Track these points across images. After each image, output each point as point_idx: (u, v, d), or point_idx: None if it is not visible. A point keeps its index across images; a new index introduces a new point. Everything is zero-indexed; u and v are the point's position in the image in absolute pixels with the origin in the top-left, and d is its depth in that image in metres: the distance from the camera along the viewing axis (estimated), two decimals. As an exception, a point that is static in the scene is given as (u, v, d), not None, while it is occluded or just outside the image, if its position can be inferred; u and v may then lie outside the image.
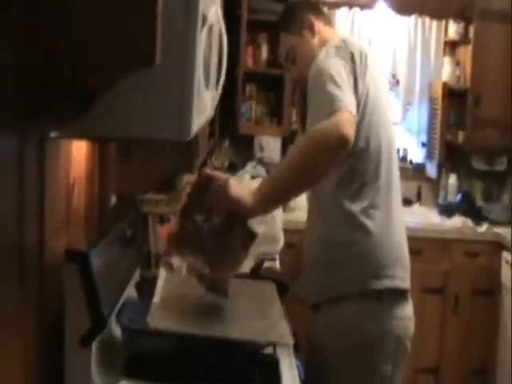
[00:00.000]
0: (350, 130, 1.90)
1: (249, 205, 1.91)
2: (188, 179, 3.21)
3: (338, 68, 2.06)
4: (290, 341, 1.83)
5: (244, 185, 2.10)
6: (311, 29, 2.36)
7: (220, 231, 1.90)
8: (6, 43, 1.19)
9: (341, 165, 2.10)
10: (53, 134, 1.45)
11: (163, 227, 2.24)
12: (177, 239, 1.93)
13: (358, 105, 2.06)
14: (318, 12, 2.45)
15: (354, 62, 2.10)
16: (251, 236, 1.95)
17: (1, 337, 1.31)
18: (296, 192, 2.04)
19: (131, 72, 1.23)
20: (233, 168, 4.29)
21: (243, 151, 4.94)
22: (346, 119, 1.92)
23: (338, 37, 2.32)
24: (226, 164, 4.24)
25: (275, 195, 1.99)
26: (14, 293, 1.41)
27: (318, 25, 2.37)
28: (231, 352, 1.86)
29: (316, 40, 2.35)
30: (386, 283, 2.13)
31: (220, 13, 1.84)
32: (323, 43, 2.28)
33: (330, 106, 1.95)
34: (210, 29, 1.56)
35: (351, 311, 2.13)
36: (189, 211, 1.95)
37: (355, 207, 2.12)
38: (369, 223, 2.12)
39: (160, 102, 1.38)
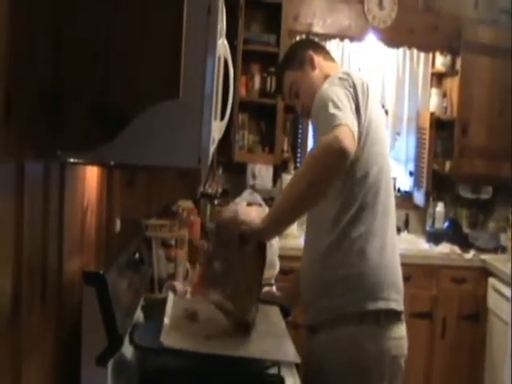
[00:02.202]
0: (349, 142, 1.98)
1: (258, 224, 2.01)
2: (183, 205, 3.29)
3: (340, 95, 2.15)
4: (297, 359, 1.89)
5: (252, 209, 2.19)
6: (311, 62, 2.46)
7: (236, 259, 1.99)
8: (38, 69, 1.27)
9: (342, 191, 2.19)
10: (76, 159, 1.52)
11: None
12: (204, 285, 2.03)
13: (361, 134, 2.16)
14: (317, 48, 2.56)
15: (357, 93, 2.19)
16: (262, 247, 2.04)
17: (25, 352, 1.37)
18: (302, 208, 2.13)
19: (157, 102, 1.31)
20: (226, 195, 4.36)
21: (236, 179, 5.02)
22: (345, 132, 2.00)
23: (340, 70, 2.43)
24: (220, 191, 4.31)
25: (284, 212, 2.08)
26: (37, 310, 1.47)
27: (318, 59, 2.47)
28: (238, 371, 1.93)
29: (317, 73, 2.44)
30: (381, 305, 2.20)
31: (226, 44, 1.92)
32: (325, 76, 2.38)
33: (331, 123, 2.04)
34: (218, 60, 1.64)
35: (349, 332, 2.20)
36: (210, 258, 2.05)
37: (354, 232, 2.20)
38: (366, 247, 2.20)
39: (181, 132, 1.46)
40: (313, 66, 2.46)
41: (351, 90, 2.19)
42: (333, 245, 2.23)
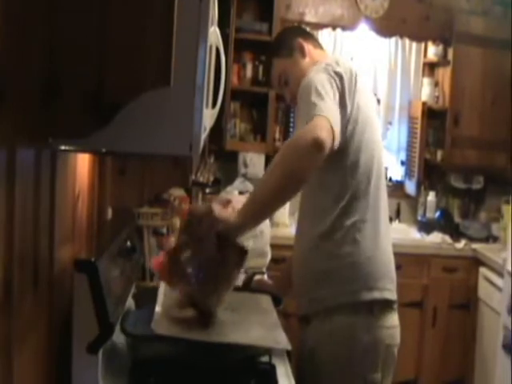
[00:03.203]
0: (324, 134, 1.93)
1: (234, 221, 1.96)
2: (175, 193, 3.28)
3: (324, 82, 2.12)
4: (288, 346, 1.89)
5: (228, 207, 2.13)
6: (301, 50, 2.44)
7: (213, 258, 1.94)
8: (31, 56, 1.26)
9: (334, 180, 2.18)
10: (68, 147, 1.51)
11: (155, 259, 2.28)
12: (168, 272, 1.98)
13: (348, 122, 2.16)
14: (307, 35, 2.53)
15: (343, 80, 2.17)
16: (242, 252, 1.99)
17: (17, 340, 1.37)
18: (278, 201, 2.04)
19: (149, 90, 1.31)
20: (217, 184, 4.35)
21: (228, 167, 5.02)
22: (321, 124, 1.96)
23: (330, 58, 2.41)
24: (211, 179, 4.30)
25: (259, 207, 2.02)
26: (29, 298, 1.47)
27: (308, 47, 2.45)
28: (230, 358, 1.93)
29: (307, 61, 2.42)
30: (376, 295, 2.21)
31: (218, 32, 1.92)
32: (314, 64, 2.35)
33: (310, 113, 2.01)
34: (210, 48, 1.63)
35: (342, 322, 2.19)
36: (179, 248, 1.99)
37: (347, 221, 2.20)
38: (358, 237, 2.20)
39: (172, 120, 1.46)
40: (303, 54, 2.44)
41: (336, 78, 2.16)
42: (326, 234, 2.22)
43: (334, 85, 2.15)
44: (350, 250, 2.20)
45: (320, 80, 2.13)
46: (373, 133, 2.28)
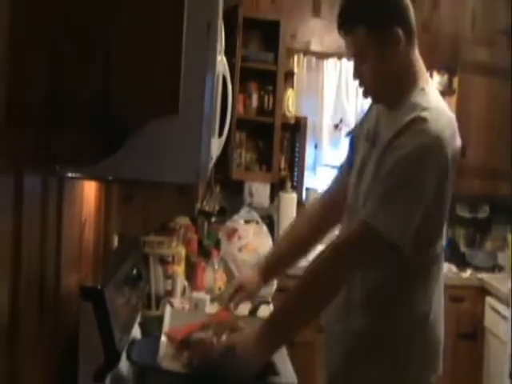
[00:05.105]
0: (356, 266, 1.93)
1: (259, 355, 1.83)
2: (181, 221, 3.29)
3: (424, 177, 1.86)
4: (294, 379, 1.88)
5: (243, 331, 1.98)
6: (394, 44, 1.95)
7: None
8: (35, 83, 1.28)
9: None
10: (74, 174, 1.52)
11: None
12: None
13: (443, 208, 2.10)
14: (407, 28, 1.99)
15: (448, 162, 1.92)
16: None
17: (22, 367, 1.37)
18: (306, 318, 1.92)
19: (156, 118, 1.31)
20: (223, 213, 4.36)
21: (233, 196, 5.01)
22: (371, 245, 1.90)
23: (425, 81, 2.05)
24: (217, 209, 4.31)
25: (282, 327, 1.89)
26: (35, 325, 1.47)
27: (406, 47, 1.98)
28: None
29: (397, 61, 1.97)
30: (433, 377, 2.17)
31: (225, 62, 1.94)
32: (405, 71, 2.00)
33: (375, 214, 1.85)
34: (217, 77, 1.64)
35: None
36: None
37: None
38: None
39: (180, 148, 1.47)
40: (395, 52, 1.95)
41: (444, 162, 1.90)
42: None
43: (437, 179, 1.89)
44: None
45: (424, 172, 1.86)
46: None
